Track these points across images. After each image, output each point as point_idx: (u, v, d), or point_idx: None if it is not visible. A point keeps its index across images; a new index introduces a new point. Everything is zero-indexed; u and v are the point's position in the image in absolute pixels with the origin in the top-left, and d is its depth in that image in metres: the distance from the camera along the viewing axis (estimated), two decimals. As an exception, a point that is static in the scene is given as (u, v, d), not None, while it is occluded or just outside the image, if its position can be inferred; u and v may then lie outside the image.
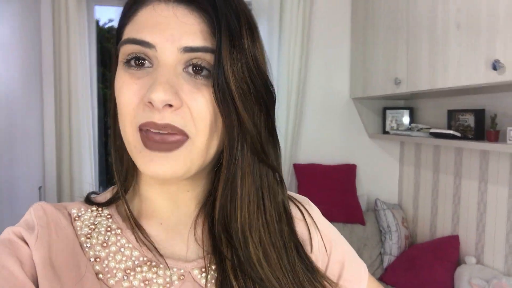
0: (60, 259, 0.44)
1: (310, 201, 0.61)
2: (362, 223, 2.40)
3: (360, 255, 2.39)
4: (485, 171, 1.92)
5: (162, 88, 0.41)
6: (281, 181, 0.51)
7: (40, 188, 2.25)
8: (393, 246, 2.33)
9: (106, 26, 2.63)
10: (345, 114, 2.62)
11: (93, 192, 0.54)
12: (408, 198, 2.58)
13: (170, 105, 0.42)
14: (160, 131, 0.42)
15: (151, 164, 0.43)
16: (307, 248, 0.54)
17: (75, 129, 2.25)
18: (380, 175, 2.67)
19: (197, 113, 0.43)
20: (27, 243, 0.44)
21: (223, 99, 0.43)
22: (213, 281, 0.47)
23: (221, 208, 0.47)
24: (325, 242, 0.56)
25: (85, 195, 0.53)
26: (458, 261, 2.02)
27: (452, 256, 2.02)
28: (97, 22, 2.51)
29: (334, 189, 2.45)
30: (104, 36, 2.55)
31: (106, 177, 2.64)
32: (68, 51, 2.19)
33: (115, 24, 0.50)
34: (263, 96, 0.47)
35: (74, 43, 2.19)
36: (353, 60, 2.56)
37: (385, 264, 2.32)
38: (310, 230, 0.55)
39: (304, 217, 0.56)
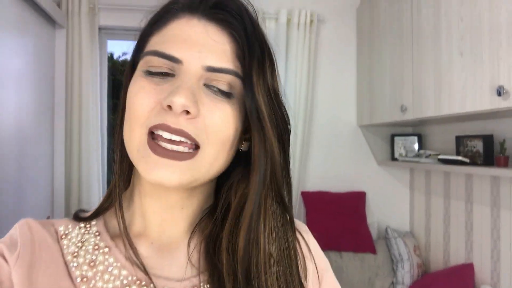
0: (41, 280, 0.43)
1: (307, 227, 0.60)
2: (373, 252, 2.35)
3: (372, 285, 2.34)
4: (497, 197, 1.89)
5: (185, 94, 0.41)
6: (290, 216, 0.51)
7: (48, 217, 2.27)
8: (406, 275, 2.27)
9: (120, 59, 2.72)
10: (353, 141, 2.62)
11: (82, 210, 0.53)
12: (419, 225, 2.53)
13: (187, 113, 0.42)
14: (172, 138, 0.42)
15: (155, 170, 0.42)
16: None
17: (85, 159, 2.28)
18: (390, 203, 2.64)
19: (211, 126, 0.43)
20: (7, 262, 0.43)
21: (256, 121, 0.44)
22: None
23: (246, 231, 0.46)
24: (319, 272, 0.55)
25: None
26: (473, 291, 1.96)
27: (467, 285, 1.96)
28: (112, 55, 2.59)
29: (344, 217, 2.42)
30: (117, 69, 2.63)
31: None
32: (80, 84, 2.26)
33: (128, 57, 0.51)
34: (281, 126, 0.47)
35: (86, 76, 2.26)
36: (359, 87, 2.59)
37: (398, 294, 2.26)
38: (306, 260, 0.54)
39: (300, 246, 0.55)
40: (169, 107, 0.41)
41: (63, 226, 0.49)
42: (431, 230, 2.42)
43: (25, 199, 1.93)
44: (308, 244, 0.56)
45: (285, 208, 0.49)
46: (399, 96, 2.08)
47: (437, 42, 1.76)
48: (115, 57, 2.66)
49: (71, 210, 2.29)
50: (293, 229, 0.52)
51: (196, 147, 0.43)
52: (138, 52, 0.49)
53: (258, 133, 0.44)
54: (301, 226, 0.59)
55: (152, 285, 0.45)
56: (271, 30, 2.46)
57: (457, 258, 2.16)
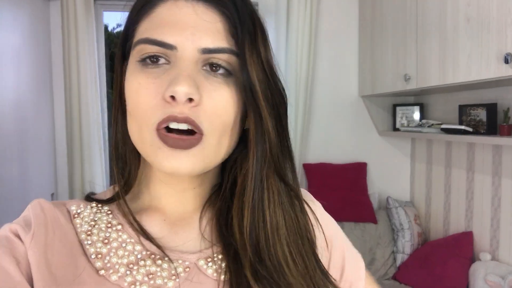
0: (57, 258, 0.43)
1: (312, 196, 0.61)
2: (374, 221, 2.39)
3: (373, 254, 2.39)
4: (499, 166, 1.90)
5: (186, 81, 0.41)
6: (294, 192, 0.51)
7: (52, 194, 2.27)
8: (406, 244, 2.31)
9: (115, 31, 2.66)
10: (354, 112, 2.60)
11: (93, 193, 0.53)
12: (420, 195, 2.56)
13: (191, 100, 0.42)
14: (179, 127, 0.42)
15: (170, 161, 0.42)
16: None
17: (86, 135, 2.27)
18: (391, 173, 2.65)
19: (212, 110, 0.43)
20: (23, 242, 0.43)
21: (251, 100, 0.43)
22: (220, 270, 0.47)
23: (251, 210, 0.47)
24: (327, 239, 0.56)
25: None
26: (472, 258, 2.00)
27: (466, 252, 2.00)
28: (106, 27, 2.53)
29: (345, 188, 2.44)
30: (113, 42, 2.58)
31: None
32: (78, 57, 2.21)
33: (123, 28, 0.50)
34: (276, 101, 0.46)
35: (83, 49, 2.21)
36: (362, 57, 2.55)
37: (398, 262, 2.30)
38: (314, 228, 0.55)
39: (309, 216, 0.55)
40: (172, 97, 0.41)
41: (75, 205, 0.49)
42: (431, 199, 2.44)
43: (28, 176, 1.93)
44: (315, 212, 0.56)
45: (287, 183, 0.49)
46: (402, 65, 2.05)
47: (443, 8, 1.72)
48: (109, 29, 2.60)
49: (74, 186, 2.30)
50: (301, 202, 0.52)
51: (201, 133, 0.43)
52: (127, 41, 0.47)
53: (254, 111, 0.44)
54: (306, 195, 0.59)
55: (165, 259, 0.46)
56: (271, 0, 2.39)
57: (457, 227, 2.19)
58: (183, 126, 0.42)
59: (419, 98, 2.54)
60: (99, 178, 2.32)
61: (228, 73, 0.44)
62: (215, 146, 0.44)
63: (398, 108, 2.52)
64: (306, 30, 2.40)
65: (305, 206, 0.55)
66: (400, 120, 2.51)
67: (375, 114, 2.60)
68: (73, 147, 2.27)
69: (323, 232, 0.55)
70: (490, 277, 1.77)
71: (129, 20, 0.47)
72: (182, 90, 0.40)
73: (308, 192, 0.61)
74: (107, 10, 2.42)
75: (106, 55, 2.42)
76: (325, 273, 0.51)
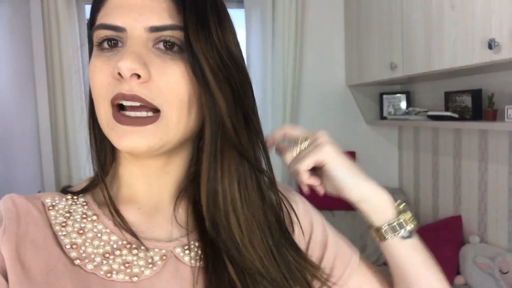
0: (30, 251, 0.43)
1: (294, 191, 0.61)
2: (364, 209, 2.41)
3: (364, 241, 2.41)
4: (485, 151, 1.93)
5: (130, 57, 0.41)
6: (258, 169, 0.51)
7: (39, 192, 2.24)
8: (396, 230, 2.34)
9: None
10: (342, 101, 2.61)
11: (68, 186, 0.54)
12: (408, 182, 2.59)
13: (138, 76, 0.42)
14: (132, 104, 0.43)
15: (125, 138, 0.43)
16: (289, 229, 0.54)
17: (71, 130, 2.23)
18: (380, 161, 2.68)
19: (166, 86, 0.43)
20: None
21: (198, 73, 0.44)
22: (197, 257, 0.48)
23: (207, 189, 0.47)
24: (304, 225, 0.57)
25: None
26: (462, 241, 2.04)
27: (456, 236, 2.04)
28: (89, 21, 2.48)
29: (335, 177, 2.45)
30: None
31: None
32: (60, 52, 2.17)
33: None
34: (234, 79, 0.47)
35: (65, 44, 2.17)
36: (348, 47, 2.55)
37: (389, 248, 2.34)
38: (291, 214, 0.56)
39: (283, 202, 0.56)
40: (119, 74, 0.42)
41: (50, 198, 0.49)
42: (420, 186, 2.48)
43: (13, 175, 1.90)
44: (291, 200, 0.57)
45: (249, 160, 0.49)
46: (388, 53, 2.06)
47: (427, -4, 1.73)
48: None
49: (61, 182, 2.26)
50: (274, 186, 0.53)
51: (156, 110, 0.44)
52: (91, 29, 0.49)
53: (203, 87, 0.44)
54: (286, 188, 0.60)
55: (142, 248, 0.46)
56: (256, -11, 2.38)
57: (446, 211, 2.23)
58: (135, 103, 0.43)
59: (405, 87, 2.56)
60: (86, 174, 2.28)
61: (180, 50, 0.45)
62: (175, 122, 0.45)
63: (385, 97, 2.54)
64: (292, 21, 2.39)
65: (281, 195, 0.56)
66: (387, 109, 2.53)
67: (362, 104, 2.61)
68: (59, 143, 2.23)
69: (298, 219, 0.56)
70: (479, 259, 1.81)
71: (91, 11, 0.49)
72: (125, 66, 0.41)
73: (291, 188, 0.62)
74: (89, 3, 2.37)
75: (90, 50, 2.37)
76: (296, 248, 0.51)
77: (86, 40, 2.36)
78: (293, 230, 0.55)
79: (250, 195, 0.49)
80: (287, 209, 0.55)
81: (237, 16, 2.42)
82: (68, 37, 2.17)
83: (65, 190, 0.51)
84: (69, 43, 2.18)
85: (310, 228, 0.58)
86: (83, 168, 2.27)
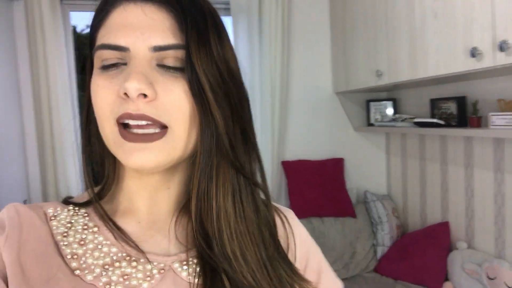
0: (31, 259, 0.43)
1: (293, 213, 0.61)
2: (353, 216, 2.41)
3: (353, 247, 2.41)
4: (470, 157, 1.95)
5: (136, 78, 0.42)
6: (254, 183, 0.51)
7: (25, 201, 2.20)
8: (386, 237, 2.35)
9: (84, 32, 2.58)
10: (330, 108, 2.62)
11: (70, 197, 0.54)
12: (397, 188, 2.60)
13: (145, 96, 0.43)
14: (138, 123, 0.43)
15: (133, 156, 0.44)
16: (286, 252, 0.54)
17: (57, 138, 2.20)
18: (368, 167, 2.69)
19: (172, 103, 0.44)
20: None
21: (197, 92, 0.44)
22: (194, 274, 0.48)
23: (197, 201, 0.47)
24: (302, 250, 0.57)
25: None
26: (450, 247, 2.05)
27: (443, 242, 2.05)
28: (75, 28, 2.46)
29: (323, 183, 2.46)
30: (82, 43, 2.51)
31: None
32: (45, 60, 2.14)
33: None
34: (233, 95, 0.47)
35: (50, 51, 2.14)
36: (334, 54, 2.57)
37: (379, 255, 2.34)
38: (289, 236, 0.56)
39: (283, 223, 0.56)
40: (126, 94, 0.43)
41: (52, 208, 0.50)
42: (408, 192, 2.49)
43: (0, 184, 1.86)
44: (291, 223, 0.57)
45: (245, 175, 0.49)
46: (374, 61, 2.08)
47: (411, 4, 1.75)
48: (78, 30, 2.53)
49: (48, 191, 2.22)
50: (268, 200, 0.53)
51: (164, 127, 0.44)
52: (92, 48, 0.49)
53: (200, 105, 0.45)
54: (285, 210, 0.60)
55: (141, 260, 0.47)
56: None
57: (434, 217, 2.24)
58: (141, 122, 0.44)
59: (391, 94, 2.58)
60: (73, 182, 2.26)
61: (182, 68, 0.45)
62: (183, 138, 0.45)
63: (371, 104, 2.56)
64: (279, 29, 2.40)
65: (282, 216, 0.57)
66: (374, 116, 2.54)
67: (350, 110, 2.63)
68: (45, 151, 2.20)
69: (297, 244, 0.56)
70: (467, 265, 1.82)
71: (91, 29, 0.49)
72: (132, 86, 0.42)
73: (291, 210, 0.62)
74: (74, 10, 2.35)
75: (76, 57, 2.35)
76: (288, 263, 0.51)
77: (72, 47, 2.34)
78: (289, 252, 0.55)
79: (244, 210, 0.49)
80: (286, 231, 0.56)
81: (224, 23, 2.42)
82: (53, 45, 2.15)
83: (67, 201, 0.52)
84: (54, 50, 2.15)
85: (307, 255, 0.58)
86: (70, 177, 2.25)
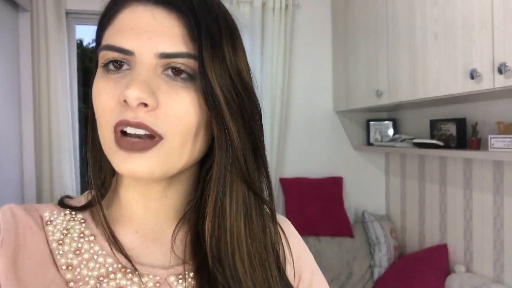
0: (26, 266, 0.42)
1: (290, 223, 0.60)
2: (351, 235, 2.39)
3: (350, 268, 2.38)
4: (469, 179, 1.94)
5: (138, 86, 0.40)
6: (263, 201, 0.50)
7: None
8: (383, 258, 2.31)
9: (90, 46, 2.61)
10: (330, 127, 2.63)
11: (67, 196, 0.53)
12: (395, 208, 2.58)
13: (146, 105, 0.41)
14: (136, 132, 0.42)
15: (126, 163, 0.42)
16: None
17: (56, 150, 2.20)
18: (367, 187, 2.67)
19: (174, 113, 0.42)
20: None
21: (212, 105, 0.43)
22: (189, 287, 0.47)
23: (213, 218, 0.46)
24: (296, 263, 0.56)
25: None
26: (448, 270, 2.02)
27: (441, 265, 2.02)
28: (81, 42, 2.49)
29: (321, 202, 2.44)
30: (87, 56, 2.53)
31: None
32: (48, 70, 2.16)
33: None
34: (246, 108, 0.46)
35: (53, 63, 2.16)
36: (335, 73, 2.59)
37: (376, 276, 2.30)
38: (285, 250, 0.55)
39: (284, 235, 0.56)
40: (125, 101, 0.41)
41: (48, 212, 0.48)
42: (406, 213, 2.47)
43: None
44: (287, 235, 0.56)
45: (256, 193, 0.48)
46: (375, 81, 2.09)
47: (412, 25, 1.77)
48: (84, 43, 2.56)
49: (42, 195, 2.20)
50: (274, 218, 0.52)
51: (159, 137, 0.43)
52: (97, 47, 0.48)
53: (216, 116, 0.43)
54: (283, 220, 0.59)
55: (136, 273, 0.46)
56: (245, 14, 2.41)
57: (432, 239, 2.22)
58: (140, 131, 0.42)
59: (392, 114, 2.59)
60: (68, 185, 2.24)
61: (190, 78, 0.43)
62: (178, 150, 0.44)
63: (371, 123, 2.56)
64: (281, 47, 2.42)
65: (279, 228, 0.55)
66: (374, 135, 2.55)
67: (350, 129, 2.63)
68: (42, 165, 2.19)
69: (293, 257, 0.55)
70: (464, 290, 1.79)
71: (97, 30, 0.48)
72: (132, 94, 0.40)
73: (287, 219, 0.61)
74: (80, 24, 2.39)
75: (79, 70, 2.37)
76: (288, 284, 0.51)
77: (75, 60, 2.36)
78: (285, 266, 0.54)
79: (254, 229, 0.48)
80: (282, 246, 0.55)
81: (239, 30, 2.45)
82: (56, 57, 2.17)
83: (63, 203, 0.50)
84: (57, 62, 2.17)
85: (301, 268, 0.57)
86: (66, 186, 2.23)
